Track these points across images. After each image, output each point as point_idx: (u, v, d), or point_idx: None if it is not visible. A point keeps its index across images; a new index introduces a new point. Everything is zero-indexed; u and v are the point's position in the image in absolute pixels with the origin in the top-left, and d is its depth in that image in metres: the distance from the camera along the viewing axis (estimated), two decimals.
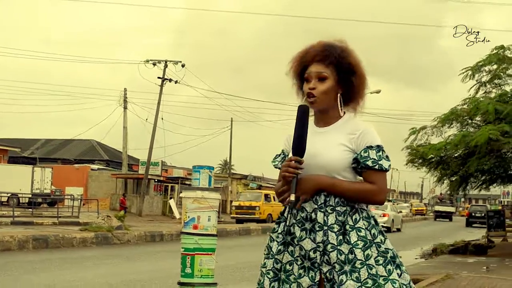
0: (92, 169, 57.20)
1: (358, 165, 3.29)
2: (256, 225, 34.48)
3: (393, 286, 3.17)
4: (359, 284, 3.13)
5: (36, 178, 44.66)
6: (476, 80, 21.30)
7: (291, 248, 3.28)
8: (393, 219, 39.42)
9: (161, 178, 49.82)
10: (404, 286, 3.22)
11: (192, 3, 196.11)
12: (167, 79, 44.81)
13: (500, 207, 50.59)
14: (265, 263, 3.38)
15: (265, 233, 32.59)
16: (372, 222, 3.30)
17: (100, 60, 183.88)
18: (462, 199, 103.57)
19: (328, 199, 3.25)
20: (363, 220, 3.27)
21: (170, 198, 47.02)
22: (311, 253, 3.20)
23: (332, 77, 3.31)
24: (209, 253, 6.62)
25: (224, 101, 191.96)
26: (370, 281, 3.14)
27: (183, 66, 44.95)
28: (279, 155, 3.57)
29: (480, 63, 20.98)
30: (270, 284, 3.31)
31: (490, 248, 23.68)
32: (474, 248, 23.02)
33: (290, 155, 3.32)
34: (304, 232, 3.24)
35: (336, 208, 3.24)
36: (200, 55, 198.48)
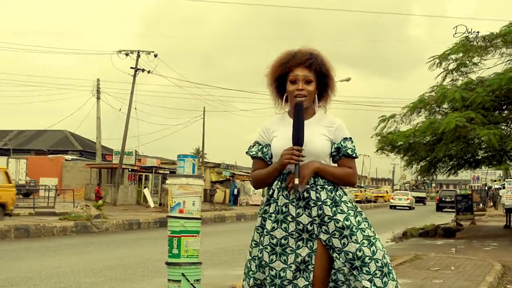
0: (66, 160, 57.14)
1: (339, 153, 3.99)
2: (231, 213, 35.00)
3: (380, 243, 3.92)
4: (358, 244, 3.81)
5: (11, 169, 44.73)
6: (443, 68, 21.92)
7: (284, 225, 3.86)
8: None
9: (135, 168, 49.96)
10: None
11: None
12: (140, 69, 44.99)
13: (469, 192, 51.39)
14: (261, 241, 3.94)
15: (239, 220, 33.17)
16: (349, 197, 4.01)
17: (72, 51, 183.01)
18: (433, 185, 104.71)
19: (316, 179, 3.89)
20: (344, 195, 3.97)
21: (145, 187, 47.33)
22: (308, 226, 3.83)
23: (314, 81, 3.98)
24: (194, 235, 7.18)
25: (196, 90, 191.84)
26: (365, 241, 3.83)
27: (155, 56, 45.15)
28: (254, 145, 4.15)
29: (447, 52, 21.58)
30: (269, 257, 3.86)
31: (458, 231, 24.40)
32: (443, 231, 23.69)
33: (275, 142, 3.97)
34: (300, 209, 3.85)
35: (325, 186, 3.89)
36: (169, 44, 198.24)
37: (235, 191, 54.08)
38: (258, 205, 48.34)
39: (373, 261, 3.79)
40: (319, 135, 3.94)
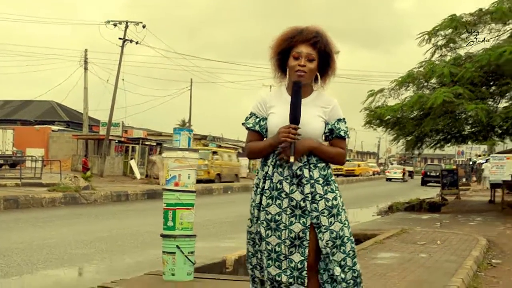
0: (52, 131, 56.86)
1: (332, 134, 4.11)
2: (218, 185, 35.12)
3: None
4: (341, 224, 3.97)
5: None
6: (432, 44, 22.03)
7: (278, 201, 3.97)
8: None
9: (122, 139, 49.87)
10: None
11: None
12: (128, 40, 44.78)
13: (454, 167, 51.64)
14: (259, 216, 4.04)
15: (226, 192, 33.33)
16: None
17: (59, 21, 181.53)
18: (418, 159, 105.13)
19: (309, 158, 4.00)
20: (332, 174, 4.11)
21: (131, 158, 47.29)
22: (301, 202, 3.94)
23: (316, 59, 4.04)
24: (189, 207, 7.29)
25: (183, 61, 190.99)
26: (346, 222, 4.01)
27: (144, 27, 44.87)
28: (251, 116, 4.23)
29: (437, 28, 21.69)
30: (265, 232, 3.98)
31: (443, 206, 24.63)
32: (428, 206, 23.94)
33: (272, 119, 4.05)
34: (293, 186, 3.96)
35: (317, 165, 4.01)
36: (155, 14, 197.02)
37: None
38: (244, 177, 48.40)
39: (349, 241, 3.98)
40: (315, 117, 4.04)
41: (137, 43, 45.23)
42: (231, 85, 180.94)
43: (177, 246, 7.14)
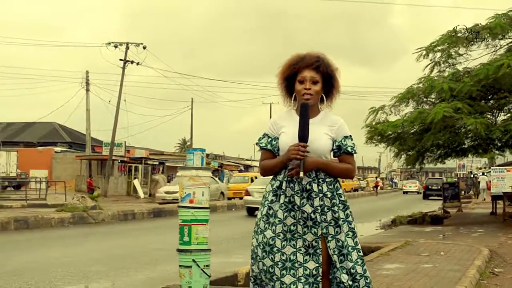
0: (55, 152, 57.24)
1: (340, 150, 4.47)
2: (222, 203, 35.36)
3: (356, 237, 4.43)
4: (344, 234, 4.34)
5: (2, 161, 44.93)
6: (430, 60, 22.43)
7: (293, 213, 4.34)
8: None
9: (125, 159, 50.26)
10: None
11: None
12: (129, 61, 45.30)
13: (455, 180, 51.81)
14: (265, 227, 4.36)
15: (230, 210, 33.59)
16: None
17: (58, 43, 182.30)
18: (420, 173, 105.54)
19: (318, 173, 4.38)
20: (340, 188, 4.47)
21: (135, 178, 47.71)
22: (311, 214, 4.32)
23: (320, 81, 4.44)
24: (204, 223, 7.66)
25: (183, 81, 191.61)
26: (350, 233, 4.37)
27: (144, 48, 45.47)
28: (264, 137, 4.61)
29: (434, 43, 22.09)
30: (281, 243, 4.32)
31: (445, 218, 24.90)
32: (431, 219, 24.15)
33: (283, 138, 4.42)
34: (304, 200, 4.33)
35: (326, 180, 4.39)
36: (153, 36, 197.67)
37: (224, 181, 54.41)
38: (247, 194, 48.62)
39: (355, 250, 4.34)
40: (322, 134, 4.41)
41: (138, 63, 45.77)
42: (231, 103, 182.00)
43: (193, 260, 7.50)
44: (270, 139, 4.54)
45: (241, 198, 36.33)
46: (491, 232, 18.50)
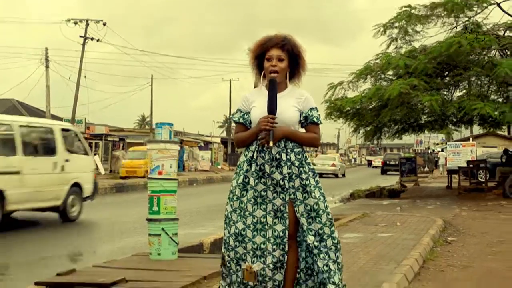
0: None
1: (306, 121, 4.86)
2: (183, 178, 35.54)
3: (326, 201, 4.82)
4: (316, 200, 4.71)
5: None
6: (388, 36, 22.89)
7: (263, 180, 4.74)
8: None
9: (85, 136, 50.05)
10: None
11: None
12: (89, 37, 45.07)
13: (413, 155, 52.50)
14: (242, 194, 4.76)
15: (192, 185, 33.88)
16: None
17: (17, 20, 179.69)
18: (380, 149, 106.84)
19: (286, 143, 4.77)
20: (307, 157, 4.87)
21: (95, 154, 47.59)
22: (280, 181, 4.71)
23: (286, 59, 4.84)
24: (172, 194, 8.05)
25: (143, 57, 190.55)
26: (321, 198, 4.74)
27: (104, 24, 45.20)
28: (237, 112, 4.99)
29: (392, 20, 22.53)
30: (252, 207, 4.72)
31: (402, 192, 25.55)
32: (388, 192, 24.72)
33: (253, 112, 4.81)
34: (273, 168, 4.73)
35: (294, 149, 4.77)
36: (111, 11, 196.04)
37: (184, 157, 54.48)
38: (207, 170, 48.72)
39: (325, 213, 4.72)
40: (290, 107, 4.80)
41: (98, 40, 45.45)
42: (191, 80, 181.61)
43: (162, 229, 7.89)
44: (242, 113, 4.91)
45: (139, 177, 33.06)
46: (446, 204, 19.07)
